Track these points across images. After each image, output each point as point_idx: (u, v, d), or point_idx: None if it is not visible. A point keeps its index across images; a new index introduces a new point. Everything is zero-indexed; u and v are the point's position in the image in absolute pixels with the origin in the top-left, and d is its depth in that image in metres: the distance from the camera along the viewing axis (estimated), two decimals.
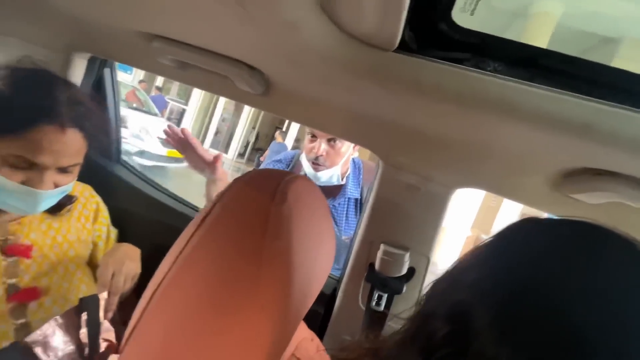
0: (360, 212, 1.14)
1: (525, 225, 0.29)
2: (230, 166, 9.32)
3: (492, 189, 0.65)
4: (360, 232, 0.75)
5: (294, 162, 1.22)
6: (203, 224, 0.31)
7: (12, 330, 0.63)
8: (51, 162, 0.62)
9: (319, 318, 0.83)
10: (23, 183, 0.61)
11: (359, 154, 1.21)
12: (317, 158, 1.06)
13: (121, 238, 0.91)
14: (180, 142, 0.93)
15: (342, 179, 1.12)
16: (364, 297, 0.75)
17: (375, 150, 0.68)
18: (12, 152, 0.59)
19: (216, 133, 11.47)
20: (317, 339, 0.49)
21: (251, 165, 10.30)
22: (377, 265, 0.72)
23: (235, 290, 0.28)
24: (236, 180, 0.34)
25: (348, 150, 1.09)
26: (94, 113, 0.70)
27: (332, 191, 1.13)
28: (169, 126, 0.97)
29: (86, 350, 0.58)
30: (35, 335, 0.53)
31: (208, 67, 0.60)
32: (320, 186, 1.13)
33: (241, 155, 11.36)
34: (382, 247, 0.70)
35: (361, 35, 0.39)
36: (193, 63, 0.61)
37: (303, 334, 0.49)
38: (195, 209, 1.03)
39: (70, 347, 0.56)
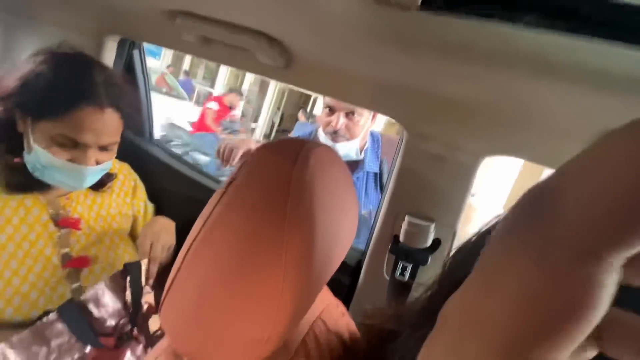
0: (379, 186, 1.13)
1: None
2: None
3: (528, 156, 0.61)
4: (385, 204, 0.75)
5: (312, 137, 1.22)
6: (229, 189, 0.32)
7: (68, 292, 0.71)
8: (93, 140, 0.67)
9: (344, 288, 0.85)
10: (69, 161, 0.66)
11: (385, 129, 1.18)
12: (336, 131, 1.05)
13: (157, 212, 0.97)
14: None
15: (360, 153, 1.11)
16: (388, 268, 0.76)
17: (400, 120, 0.66)
18: (59, 132, 0.64)
19: (242, 116, 11.63)
20: (342, 306, 0.51)
21: None
22: (401, 237, 0.72)
23: (261, 251, 0.30)
24: (260, 147, 0.35)
25: (367, 123, 1.07)
26: (128, 93, 0.74)
27: (350, 166, 1.13)
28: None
29: (130, 309, 0.64)
30: (88, 295, 0.60)
31: (229, 41, 0.61)
32: None
33: (267, 136, 11.49)
34: (407, 218, 0.69)
35: None
36: (215, 37, 0.62)
37: (329, 299, 0.50)
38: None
39: (118, 305, 0.62)
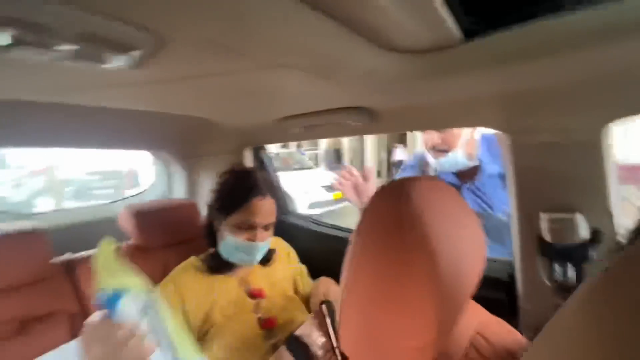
0: None
1: None
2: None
3: None
4: (514, 208, 0.72)
5: (423, 161, 1.26)
6: (359, 236, 0.42)
7: (269, 348, 0.90)
8: (260, 222, 0.91)
9: (504, 305, 0.80)
10: (248, 239, 0.91)
11: None
12: (434, 147, 1.07)
13: (309, 270, 1.16)
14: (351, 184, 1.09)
15: (473, 159, 1.09)
16: (546, 272, 0.69)
17: (489, 125, 0.67)
18: (241, 220, 0.90)
19: (351, 162, 12.37)
20: (505, 324, 0.51)
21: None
22: (546, 237, 0.66)
23: (396, 276, 0.37)
24: (372, 196, 0.44)
25: (463, 131, 1.06)
26: (275, 184, 0.99)
27: (470, 174, 1.11)
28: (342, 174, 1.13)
29: (333, 342, 0.76)
30: (301, 330, 0.75)
31: (326, 122, 0.77)
32: (457, 172, 1.12)
33: (378, 173, 11.71)
34: (542, 216, 0.65)
35: (424, 47, 0.46)
36: (314, 123, 0.80)
37: (483, 317, 0.52)
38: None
39: (322, 339, 0.75)
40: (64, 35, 0.34)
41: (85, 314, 0.88)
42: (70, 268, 0.91)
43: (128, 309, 0.52)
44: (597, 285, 0.20)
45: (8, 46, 0.32)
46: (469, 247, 0.44)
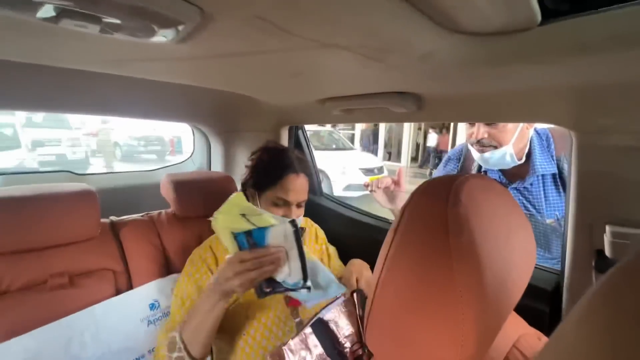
0: (562, 187, 0.96)
1: None
2: (407, 174, 9.36)
3: None
4: (572, 215, 0.65)
5: (464, 154, 1.18)
6: (397, 233, 0.39)
7: (294, 325, 0.92)
8: (294, 199, 0.91)
9: (546, 317, 0.75)
10: (283, 216, 0.92)
11: None
12: (479, 141, 0.99)
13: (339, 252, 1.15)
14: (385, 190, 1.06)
15: (522, 158, 0.99)
16: None
17: (555, 122, 0.59)
18: (276, 195, 0.91)
19: (385, 146, 12.08)
20: (546, 338, 0.47)
21: (427, 168, 10.03)
22: (608, 252, 0.59)
23: (435, 282, 0.35)
24: (414, 193, 0.41)
25: (518, 126, 0.96)
26: (308, 163, 0.98)
27: (519, 173, 1.01)
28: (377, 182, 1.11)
29: (361, 335, 0.74)
30: (329, 315, 0.74)
31: (368, 106, 0.73)
32: (505, 170, 1.03)
33: (414, 159, 11.35)
34: (608, 228, 0.57)
35: (495, 30, 0.40)
36: (356, 107, 0.76)
37: (523, 329, 0.48)
38: (387, 221, 1.17)
39: (350, 330, 0.74)
40: (111, 8, 0.33)
41: (128, 273, 0.94)
42: (116, 230, 0.97)
43: (273, 236, 0.67)
44: (599, 294, 0.20)
45: (57, 17, 0.32)
46: (518, 257, 0.40)
